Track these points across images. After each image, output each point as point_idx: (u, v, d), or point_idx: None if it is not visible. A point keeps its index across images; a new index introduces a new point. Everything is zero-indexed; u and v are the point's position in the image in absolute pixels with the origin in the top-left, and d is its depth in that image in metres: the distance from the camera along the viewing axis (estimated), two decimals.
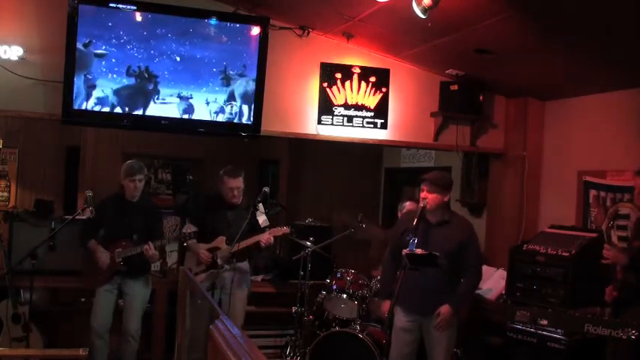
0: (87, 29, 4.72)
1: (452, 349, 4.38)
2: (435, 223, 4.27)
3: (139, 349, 5.00)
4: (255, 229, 5.01)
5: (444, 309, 4.16)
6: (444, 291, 4.21)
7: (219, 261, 4.93)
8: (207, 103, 5.05)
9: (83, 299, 5.43)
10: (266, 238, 4.92)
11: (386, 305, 4.23)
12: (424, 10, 3.73)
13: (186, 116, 5.01)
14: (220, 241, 4.99)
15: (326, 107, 5.37)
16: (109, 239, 4.94)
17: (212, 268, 4.94)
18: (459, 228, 4.30)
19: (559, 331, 4.25)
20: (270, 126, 5.28)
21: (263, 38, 5.05)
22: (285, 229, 5.02)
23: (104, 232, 4.99)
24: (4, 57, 4.72)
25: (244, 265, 5.09)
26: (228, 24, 5.03)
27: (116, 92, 4.86)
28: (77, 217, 4.84)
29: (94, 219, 4.91)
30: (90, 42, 4.74)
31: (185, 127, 5.16)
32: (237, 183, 5.01)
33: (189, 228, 4.86)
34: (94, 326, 4.84)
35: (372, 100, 5.46)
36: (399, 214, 5.48)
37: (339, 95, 5.39)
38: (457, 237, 4.22)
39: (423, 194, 4.23)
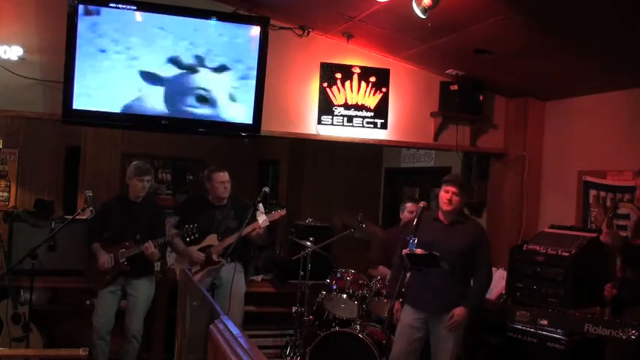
0: (89, 27, 4.70)
1: (457, 349, 4.38)
2: (448, 223, 4.32)
3: (138, 348, 4.99)
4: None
5: (459, 310, 4.17)
6: (455, 290, 4.22)
7: (214, 257, 4.98)
8: (207, 100, 5.03)
9: (88, 302, 5.40)
10: (261, 222, 4.97)
11: (397, 307, 4.32)
12: (424, 10, 3.73)
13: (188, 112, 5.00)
14: (212, 239, 5.05)
15: (326, 107, 5.37)
16: (114, 240, 4.93)
17: (209, 265, 4.98)
18: (472, 228, 4.38)
19: (559, 331, 4.25)
20: (270, 126, 5.27)
21: (263, 38, 5.04)
22: (281, 212, 5.14)
23: (109, 232, 4.98)
24: (4, 57, 4.72)
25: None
26: (228, 24, 5.02)
27: (122, 88, 4.84)
28: (77, 217, 4.84)
29: (98, 220, 4.93)
30: (96, 39, 4.73)
31: (185, 127, 5.16)
32: (226, 177, 5.15)
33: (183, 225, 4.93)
34: (97, 327, 4.83)
35: (372, 100, 5.45)
36: (401, 215, 5.50)
37: (339, 95, 5.39)
38: (470, 236, 4.29)
39: (448, 195, 4.24)
